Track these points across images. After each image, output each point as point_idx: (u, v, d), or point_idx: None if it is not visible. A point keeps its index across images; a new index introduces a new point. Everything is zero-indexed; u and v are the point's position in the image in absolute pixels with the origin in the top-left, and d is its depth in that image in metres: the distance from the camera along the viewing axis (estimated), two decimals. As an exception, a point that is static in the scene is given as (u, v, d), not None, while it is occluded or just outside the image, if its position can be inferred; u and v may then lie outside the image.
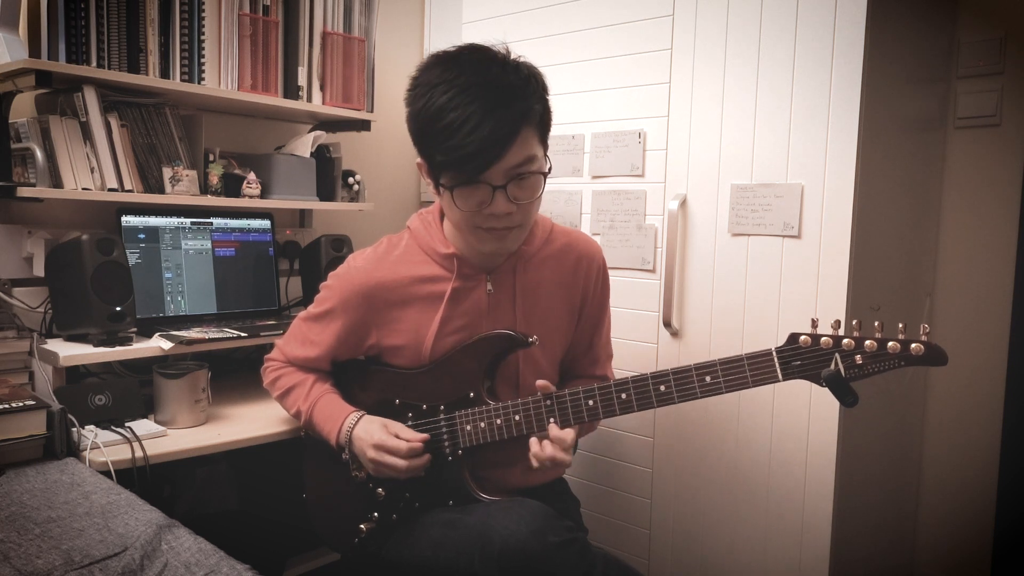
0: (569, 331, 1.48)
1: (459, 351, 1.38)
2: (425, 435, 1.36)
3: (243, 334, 1.76)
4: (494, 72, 1.23)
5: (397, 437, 1.35)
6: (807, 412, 1.61)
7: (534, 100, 1.26)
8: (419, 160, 1.32)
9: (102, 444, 1.45)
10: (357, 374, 1.48)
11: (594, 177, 1.92)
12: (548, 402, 1.32)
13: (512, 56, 1.29)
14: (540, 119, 1.28)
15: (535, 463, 1.30)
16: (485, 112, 1.20)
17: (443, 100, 1.22)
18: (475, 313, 1.39)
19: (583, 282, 1.47)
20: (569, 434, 1.30)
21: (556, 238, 1.46)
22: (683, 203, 1.75)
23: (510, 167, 1.24)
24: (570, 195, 1.95)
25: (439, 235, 1.40)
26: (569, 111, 1.94)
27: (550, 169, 1.31)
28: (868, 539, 1.82)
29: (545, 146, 1.31)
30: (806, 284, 1.59)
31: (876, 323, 1.17)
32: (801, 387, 1.33)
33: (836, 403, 1.43)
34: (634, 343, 1.85)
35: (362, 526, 1.41)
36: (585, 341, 1.51)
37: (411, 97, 1.29)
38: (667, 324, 1.78)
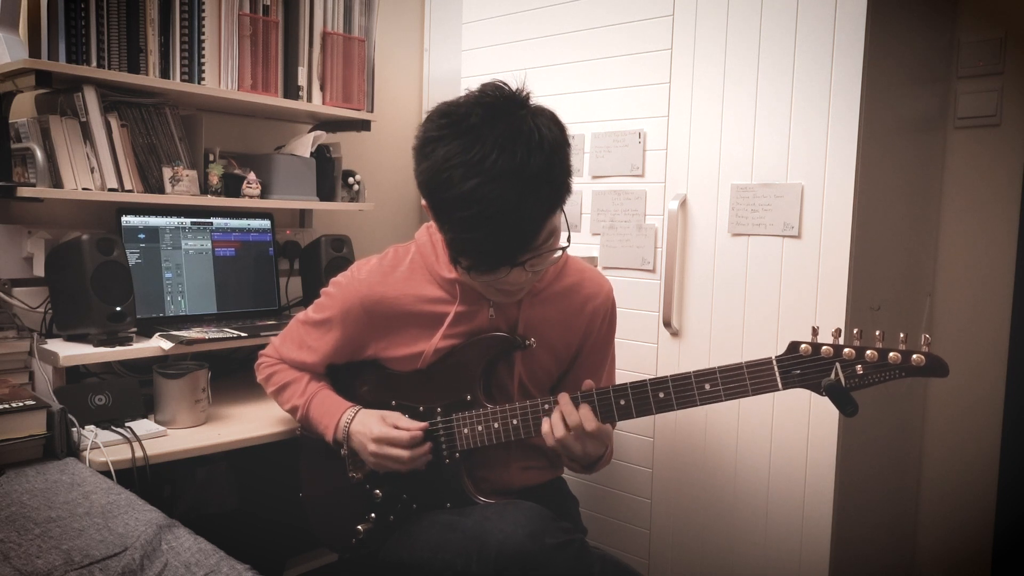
0: (558, 368, 1.47)
1: (456, 353, 1.38)
2: (424, 423, 1.36)
3: (243, 334, 1.76)
4: (520, 156, 1.13)
5: (396, 427, 1.35)
6: (807, 412, 1.61)
7: (561, 178, 1.20)
8: (425, 203, 1.25)
9: (102, 444, 1.46)
10: (353, 374, 1.48)
11: (594, 177, 1.92)
12: (547, 406, 1.32)
13: (530, 104, 1.20)
14: (566, 194, 1.23)
15: (551, 440, 1.28)
16: (513, 208, 1.13)
17: (467, 188, 1.13)
18: (475, 337, 1.38)
19: (587, 322, 1.44)
20: (591, 421, 1.26)
21: (568, 274, 1.43)
22: (683, 203, 1.75)
23: (532, 248, 1.21)
24: (570, 195, 1.95)
25: (444, 257, 1.37)
26: (569, 111, 1.93)
27: (569, 240, 1.25)
28: (868, 539, 1.82)
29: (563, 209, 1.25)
30: (806, 284, 1.59)
31: (877, 332, 1.16)
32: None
33: (836, 403, 1.43)
34: (634, 343, 1.85)
35: (359, 527, 1.41)
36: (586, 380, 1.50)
37: (427, 167, 1.18)
38: (667, 324, 1.78)
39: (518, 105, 1.19)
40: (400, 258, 1.43)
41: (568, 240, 1.26)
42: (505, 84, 1.22)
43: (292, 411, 1.49)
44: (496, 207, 1.13)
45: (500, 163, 1.13)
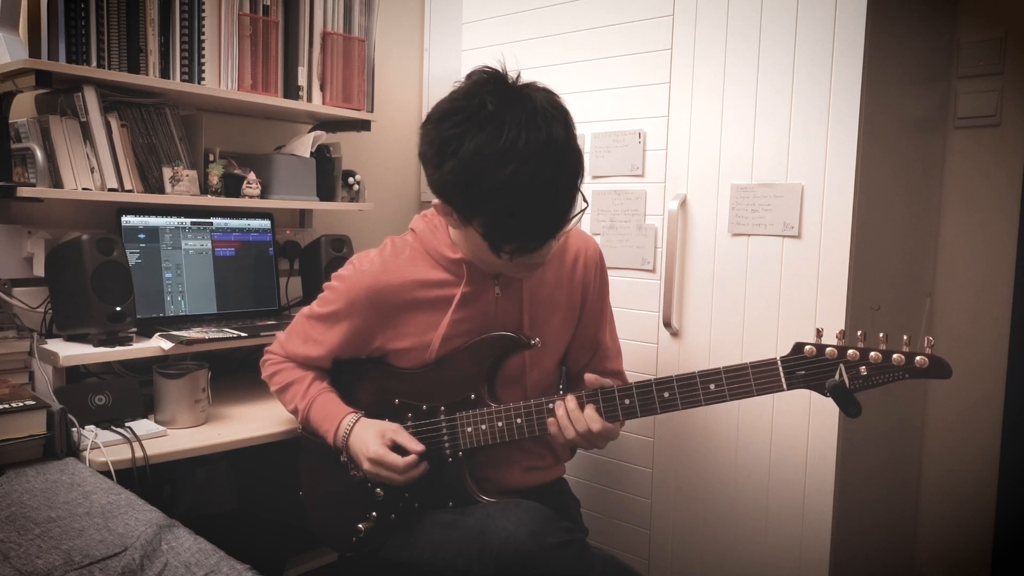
0: (570, 329, 1.48)
1: (460, 352, 1.38)
2: (422, 446, 1.35)
3: (243, 334, 1.76)
4: (544, 130, 1.16)
5: (395, 444, 1.35)
6: (807, 412, 1.61)
7: (578, 143, 1.23)
8: (436, 201, 1.27)
9: (102, 444, 1.46)
10: (357, 372, 1.48)
11: (594, 177, 1.92)
12: (551, 405, 1.32)
13: (521, 82, 1.22)
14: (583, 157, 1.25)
15: (553, 426, 1.32)
16: (550, 182, 1.17)
17: (505, 173, 1.15)
18: (483, 317, 1.38)
19: (581, 278, 1.46)
20: (596, 422, 1.28)
21: None
22: (683, 203, 1.75)
23: (568, 218, 1.24)
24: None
25: (445, 239, 1.38)
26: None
27: (587, 201, 1.27)
28: (868, 539, 1.82)
29: None
30: (806, 284, 1.59)
31: (881, 334, 1.16)
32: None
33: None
34: (634, 343, 1.85)
35: (360, 525, 1.41)
36: (590, 339, 1.51)
37: (454, 166, 1.18)
38: (667, 324, 1.78)
39: (517, 84, 1.22)
40: (400, 248, 1.43)
41: (585, 201, 1.26)
42: (492, 68, 1.23)
43: (294, 412, 1.49)
44: (536, 185, 1.16)
45: (531, 142, 1.15)
